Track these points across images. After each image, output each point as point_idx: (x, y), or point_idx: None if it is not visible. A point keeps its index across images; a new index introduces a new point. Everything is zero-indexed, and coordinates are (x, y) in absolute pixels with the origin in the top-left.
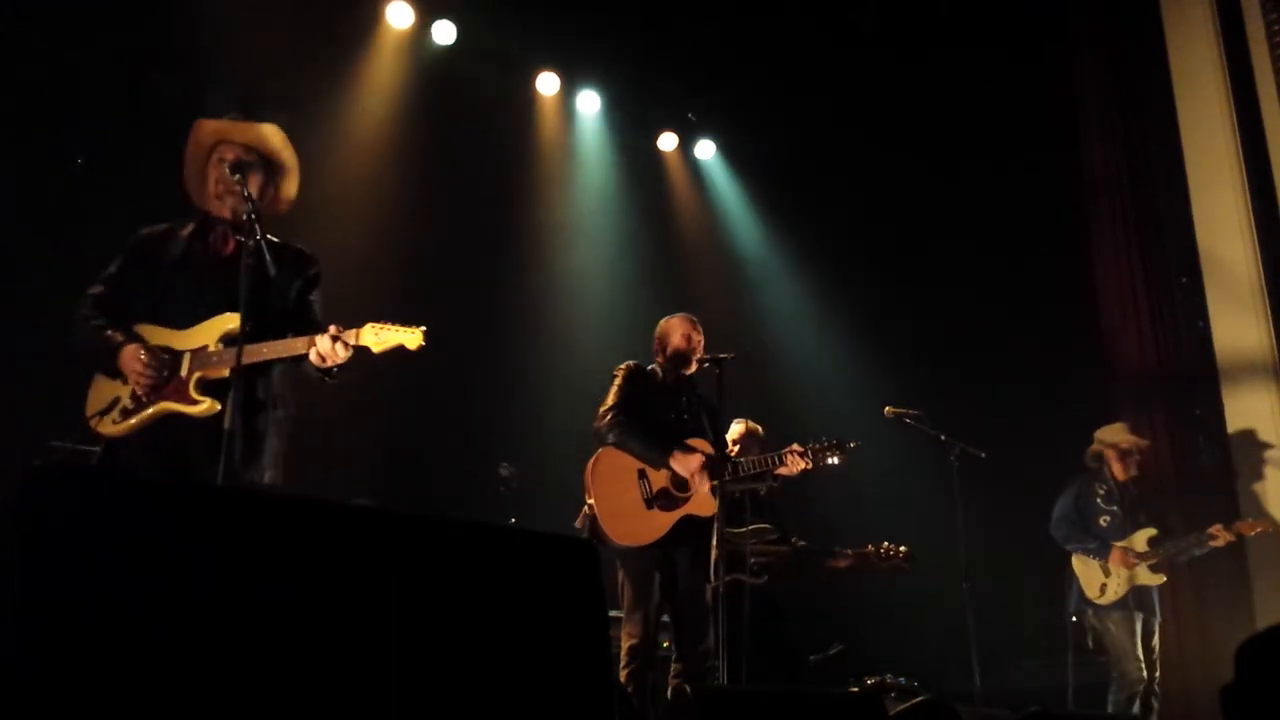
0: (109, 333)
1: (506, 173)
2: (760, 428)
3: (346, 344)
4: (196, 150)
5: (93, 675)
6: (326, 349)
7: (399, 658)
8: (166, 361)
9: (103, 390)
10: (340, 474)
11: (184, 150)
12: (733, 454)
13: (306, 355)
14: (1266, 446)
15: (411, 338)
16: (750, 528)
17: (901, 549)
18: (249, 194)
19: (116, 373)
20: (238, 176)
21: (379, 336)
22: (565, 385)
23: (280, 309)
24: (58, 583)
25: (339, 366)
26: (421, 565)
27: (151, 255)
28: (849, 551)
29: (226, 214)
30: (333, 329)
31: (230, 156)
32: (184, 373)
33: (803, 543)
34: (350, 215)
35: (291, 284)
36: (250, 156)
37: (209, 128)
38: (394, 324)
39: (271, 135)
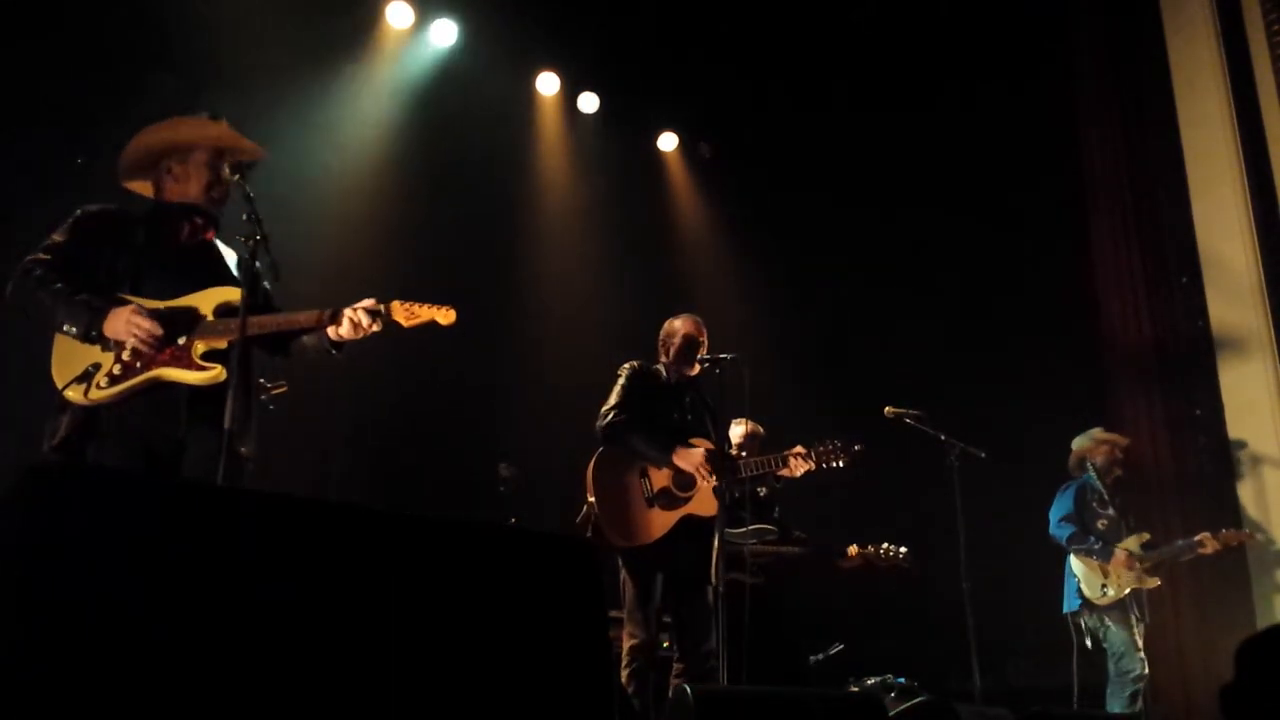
0: (82, 296)
1: (506, 173)
2: (761, 429)
3: (379, 316)
4: (180, 144)
5: (93, 675)
6: (364, 321)
7: (398, 658)
8: (166, 326)
9: (73, 355)
10: (340, 474)
11: (147, 130)
12: (735, 456)
13: (298, 332)
14: (1266, 446)
15: (445, 315)
16: (750, 528)
17: (901, 550)
18: (252, 194)
19: (93, 337)
20: (238, 176)
21: (410, 312)
22: (565, 385)
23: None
24: (58, 582)
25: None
26: (421, 565)
27: (112, 233)
28: (856, 552)
29: (208, 205)
30: (369, 302)
31: (215, 162)
32: (182, 340)
33: (801, 534)
34: (350, 215)
35: (260, 282)
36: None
37: (215, 132)
38: (423, 303)
39: (258, 156)
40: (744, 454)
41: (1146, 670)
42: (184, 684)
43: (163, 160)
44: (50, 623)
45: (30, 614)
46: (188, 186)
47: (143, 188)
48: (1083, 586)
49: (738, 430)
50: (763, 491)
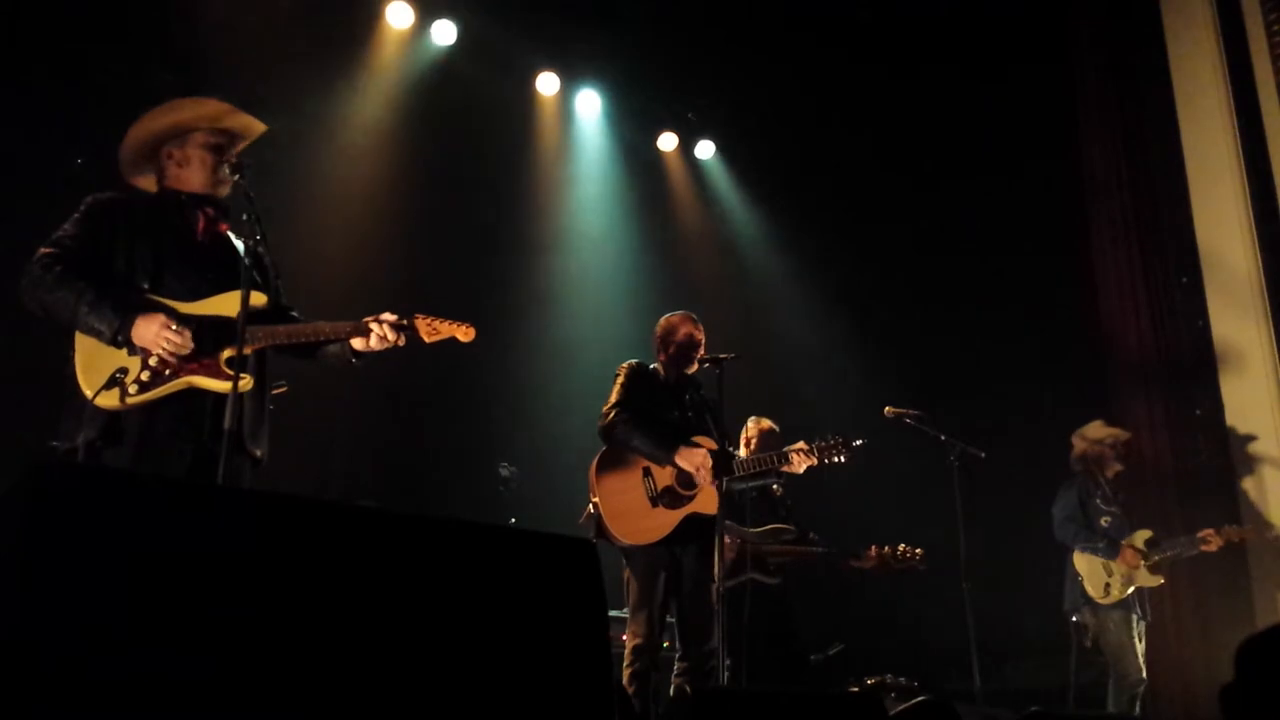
0: (108, 297)
1: (506, 173)
2: (775, 426)
3: (403, 331)
4: (178, 127)
5: (92, 675)
6: (390, 335)
7: (399, 658)
8: (196, 336)
9: (98, 358)
10: (340, 474)
11: (143, 118)
12: (750, 452)
13: (324, 342)
14: (1266, 446)
15: (465, 332)
16: (768, 527)
17: (917, 551)
18: (253, 194)
19: (119, 342)
20: (238, 176)
21: (432, 328)
22: (565, 385)
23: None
24: (58, 582)
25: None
26: (422, 566)
27: (125, 223)
28: (871, 553)
29: (222, 193)
30: (390, 316)
31: (215, 142)
32: (210, 349)
33: (814, 536)
34: (350, 215)
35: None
36: (227, 142)
37: (211, 110)
38: (445, 319)
39: (258, 130)
40: (755, 445)
41: (1145, 675)
42: (184, 684)
43: (162, 147)
44: (50, 622)
45: (30, 613)
46: (191, 172)
47: (147, 183)
48: (1086, 585)
49: (751, 427)
50: (778, 490)
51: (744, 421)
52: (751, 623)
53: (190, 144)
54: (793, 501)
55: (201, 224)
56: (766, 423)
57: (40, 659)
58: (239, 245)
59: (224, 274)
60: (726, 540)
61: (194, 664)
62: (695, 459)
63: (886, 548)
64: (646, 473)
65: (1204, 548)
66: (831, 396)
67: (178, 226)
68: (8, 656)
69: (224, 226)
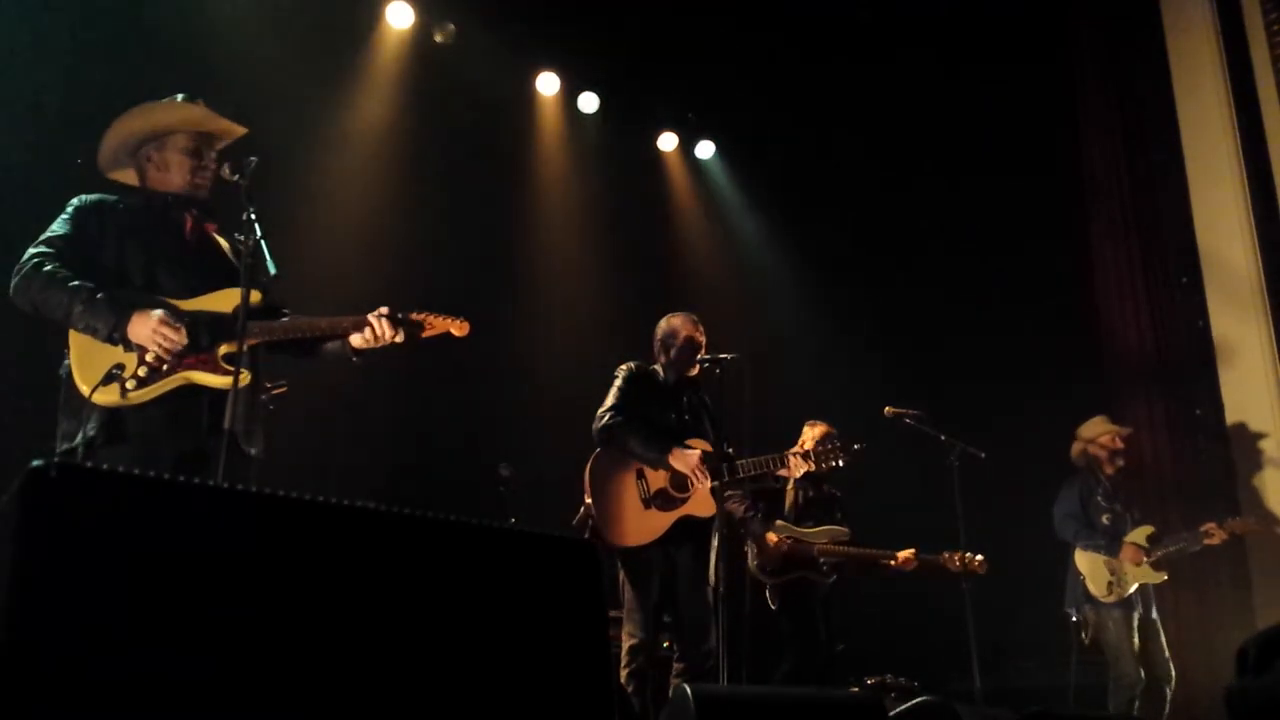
0: (102, 294)
1: (506, 173)
2: (832, 428)
3: (401, 326)
4: (155, 131)
5: (93, 675)
6: (388, 333)
7: (399, 657)
8: (192, 331)
9: (94, 355)
10: (340, 474)
11: (123, 117)
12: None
13: (322, 338)
14: (1267, 446)
15: (459, 327)
16: (823, 528)
17: (978, 557)
18: (251, 195)
19: (115, 339)
20: (238, 177)
21: (427, 323)
22: (565, 385)
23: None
24: (58, 582)
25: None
26: (422, 565)
27: (114, 224)
28: (904, 557)
29: (203, 195)
30: (385, 309)
31: (193, 146)
32: (207, 344)
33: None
34: (350, 215)
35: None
36: (204, 144)
37: (188, 114)
38: (439, 314)
39: (237, 133)
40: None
41: (1143, 675)
42: (184, 684)
43: (142, 148)
44: (50, 622)
45: (30, 613)
46: (170, 175)
47: (126, 177)
48: (1088, 584)
49: (812, 431)
50: (837, 492)
51: (738, 423)
52: (799, 619)
53: (169, 148)
54: (849, 505)
55: (189, 224)
56: (822, 427)
57: (40, 659)
58: (225, 245)
59: (214, 273)
60: (774, 538)
61: (194, 664)
62: (689, 461)
63: (945, 554)
64: (640, 475)
65: (1207, 541)
66: (831, 397)
67: (166, 226)
68: (8, 656)
69: (210, 227)
